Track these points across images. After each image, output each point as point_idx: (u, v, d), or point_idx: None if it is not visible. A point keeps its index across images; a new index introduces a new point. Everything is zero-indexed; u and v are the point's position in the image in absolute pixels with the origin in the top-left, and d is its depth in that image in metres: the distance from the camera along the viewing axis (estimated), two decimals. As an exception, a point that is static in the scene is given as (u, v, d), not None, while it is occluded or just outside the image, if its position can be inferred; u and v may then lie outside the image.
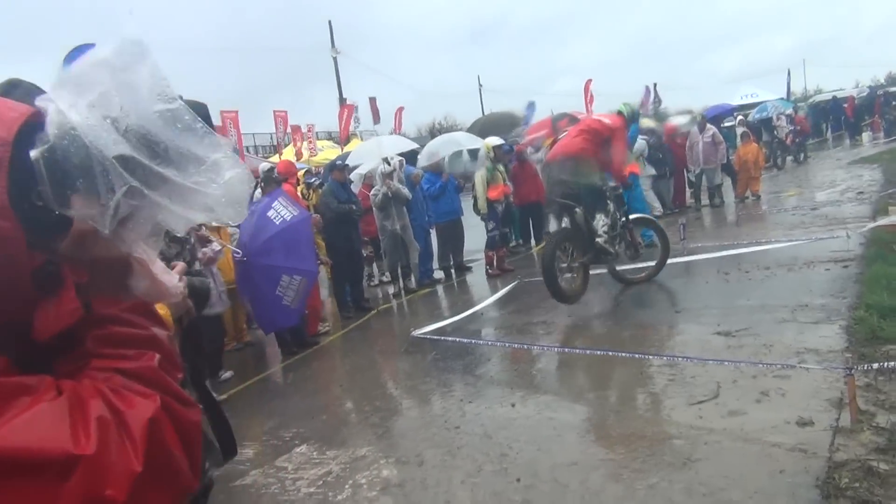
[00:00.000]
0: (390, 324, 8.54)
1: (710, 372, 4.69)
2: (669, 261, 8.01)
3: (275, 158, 13.76)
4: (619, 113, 7.66)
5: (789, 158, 20.55)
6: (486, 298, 8.27)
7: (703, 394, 4.40)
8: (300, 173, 11.59)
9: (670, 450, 3.75)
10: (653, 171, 12.77)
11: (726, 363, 4.70)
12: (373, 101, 24.39)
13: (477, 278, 10.35)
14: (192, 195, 0.96)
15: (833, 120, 28.99)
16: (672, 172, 13.62)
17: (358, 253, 9.43)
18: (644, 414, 4.41)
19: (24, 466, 0.78)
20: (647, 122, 12.36)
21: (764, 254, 8.24)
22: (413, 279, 10.09)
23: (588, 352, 5.48)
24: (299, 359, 7.24)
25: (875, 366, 4.04)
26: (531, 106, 19.40)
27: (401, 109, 22.29)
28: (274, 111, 16.04)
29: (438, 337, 6.81)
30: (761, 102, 23.14)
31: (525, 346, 6.15)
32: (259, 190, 7.83)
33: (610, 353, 5.23)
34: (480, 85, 51.38)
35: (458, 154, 12.36)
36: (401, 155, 10.47)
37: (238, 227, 7.09)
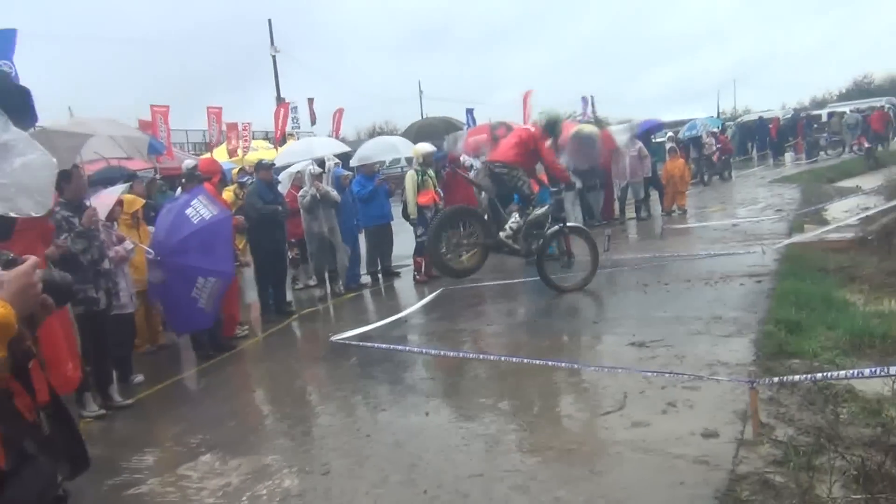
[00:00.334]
0: (312, 329, 8.34)
1: (621, 382, 4.72)
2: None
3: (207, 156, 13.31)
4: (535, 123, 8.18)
5: (715, 176, 21.24)
6: (412, 304, 8.19)
7: (610, 405, 4.43)
8: (234, 171, 11.22)
9: (577, 461, 3.75)
10: (579, 184, 12.88)
11: (636, 372, 4.74)
12: (311, 101, 24.04)
13: (404, 284, 10.24)
14: None
15: (759, 140, 30.05)
16: (602, 184, 13.84)
17: (282, 255, 9.18)
18: (554, 424, 4.40)
19: None
20: (587, 129, 12.39)
21: (683, 266, 8.44)
22: (340, 283, 9.91)
23: (504, 358, 5.47)
24: (215, 363, 6.97)
25: (776, 379, 4.15)
26: (469, 113, 19.53)
27: (340, 111, 21.95)
28: (208, 108, 15.49)
29: (358, 343, 6.68)
30: (691, 120, 23.83)
31: (441, 353, 6.08)
32: (179, 187, 7.55)
33: (525, 361, 5.23)
34: (421, 91, 51.44)
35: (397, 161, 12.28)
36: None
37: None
